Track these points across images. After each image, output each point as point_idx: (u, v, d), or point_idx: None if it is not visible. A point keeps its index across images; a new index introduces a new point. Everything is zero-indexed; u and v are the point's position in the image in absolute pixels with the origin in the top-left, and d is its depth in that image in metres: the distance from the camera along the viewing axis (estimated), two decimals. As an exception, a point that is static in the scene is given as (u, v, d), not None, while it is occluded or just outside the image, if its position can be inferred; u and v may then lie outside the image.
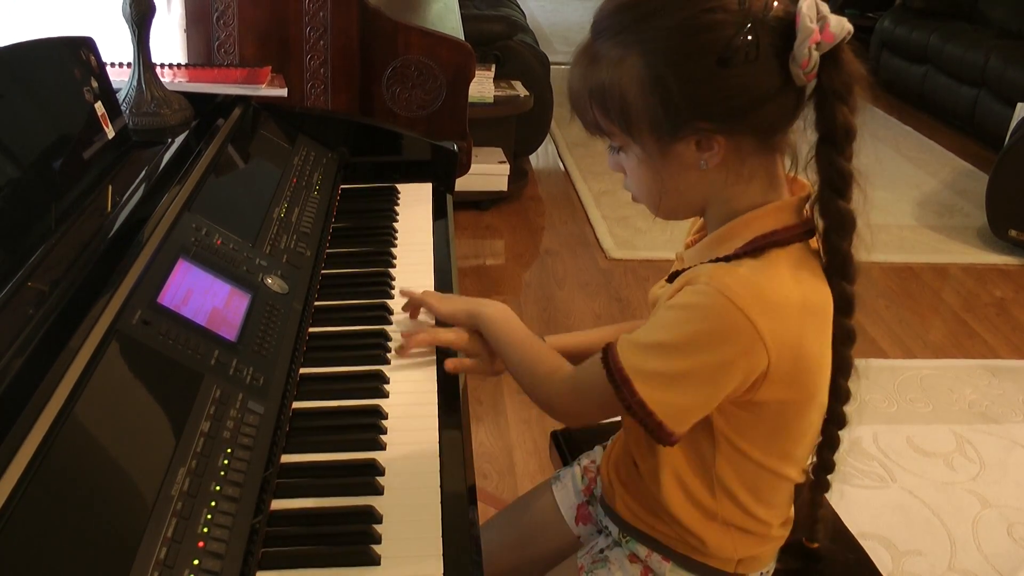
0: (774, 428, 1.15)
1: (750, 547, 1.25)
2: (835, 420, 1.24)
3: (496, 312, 1.36)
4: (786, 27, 1.02)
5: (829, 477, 1.31)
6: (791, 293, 1.07)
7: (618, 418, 1.37)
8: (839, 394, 1.21)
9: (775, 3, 1.03)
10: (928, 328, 3.57)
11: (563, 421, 1.35)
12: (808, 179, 1.14)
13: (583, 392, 1.20)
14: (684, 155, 1.08)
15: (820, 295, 1.12)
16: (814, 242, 1.14)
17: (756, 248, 1.09)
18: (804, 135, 1.11)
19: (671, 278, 1.19)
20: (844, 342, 1.17)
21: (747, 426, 1.14)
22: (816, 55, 1.02)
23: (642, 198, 1.18)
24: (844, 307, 1.15)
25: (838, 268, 1.12)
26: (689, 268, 1.15)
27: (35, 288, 1.09)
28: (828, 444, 1.26)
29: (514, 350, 1.32)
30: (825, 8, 1.03)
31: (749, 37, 1.00)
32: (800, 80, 1.04)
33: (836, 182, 1.09)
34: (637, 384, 1.08)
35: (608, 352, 1.13)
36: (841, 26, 1.02)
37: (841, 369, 1.19)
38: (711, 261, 1.12)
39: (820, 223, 1.12)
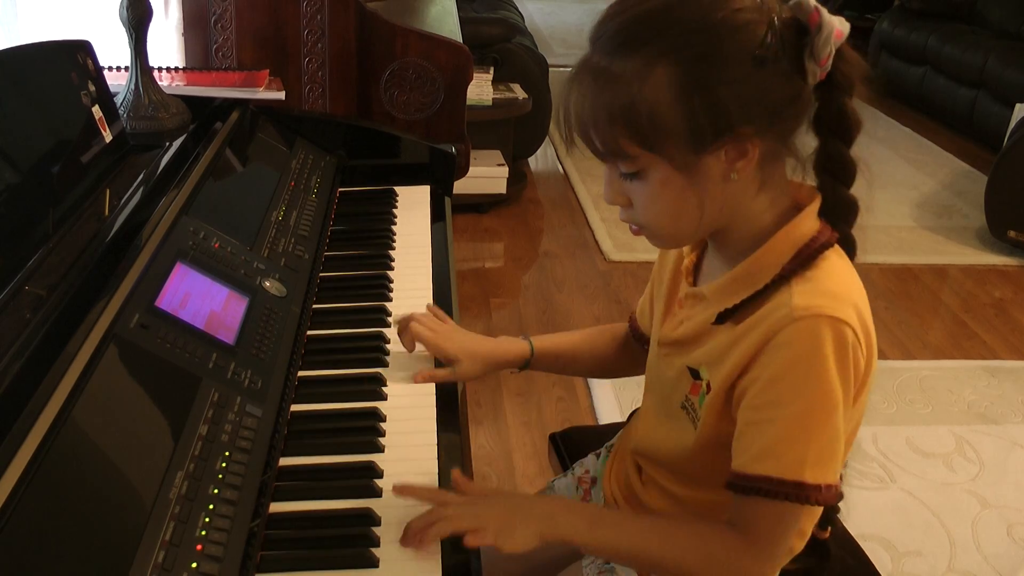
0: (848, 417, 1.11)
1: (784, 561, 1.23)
2: None
3: (570, 519, 1.14)
4: (798, 25, 1.01)
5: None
6: (855, 288, 1.07)
7: (612, 421, 1.36)
8: None
9: (782, 4, 1.03)
10: (927, 329, 3.57)
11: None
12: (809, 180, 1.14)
13: (766, 534, 1.09)
14: (713, 168, 1.03)
15: (861, 282, 1.11)
16: None
17: (807, 257, 1.06)
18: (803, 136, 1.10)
19: (720, 318, 1.11)
20: None
21: None
22: (834, 51, 1.02)
23: (657, 223, 1.10)
24: None
25: (846, 250, 1.12)
26: (739, 307, 1.09)
27: (33, 292, 1.09)
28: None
29: (620, 548, 1.15)
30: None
31: (778, 35, 0.99)
32: (814, 77, 1.03)
33: (844, 174, 1.09)
34: (810, 475, 1.02)
35: (748, 481, 1.05)
36: (843, 23, 1.02)
37: None
38: (765, 289, 1.07)
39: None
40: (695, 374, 1.15)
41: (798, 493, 1.02)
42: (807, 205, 1.11)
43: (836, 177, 1.09)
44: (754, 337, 1.05)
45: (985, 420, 2.97)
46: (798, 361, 1.01)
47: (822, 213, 1.11)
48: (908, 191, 5.00)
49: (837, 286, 1.05)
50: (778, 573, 1.25)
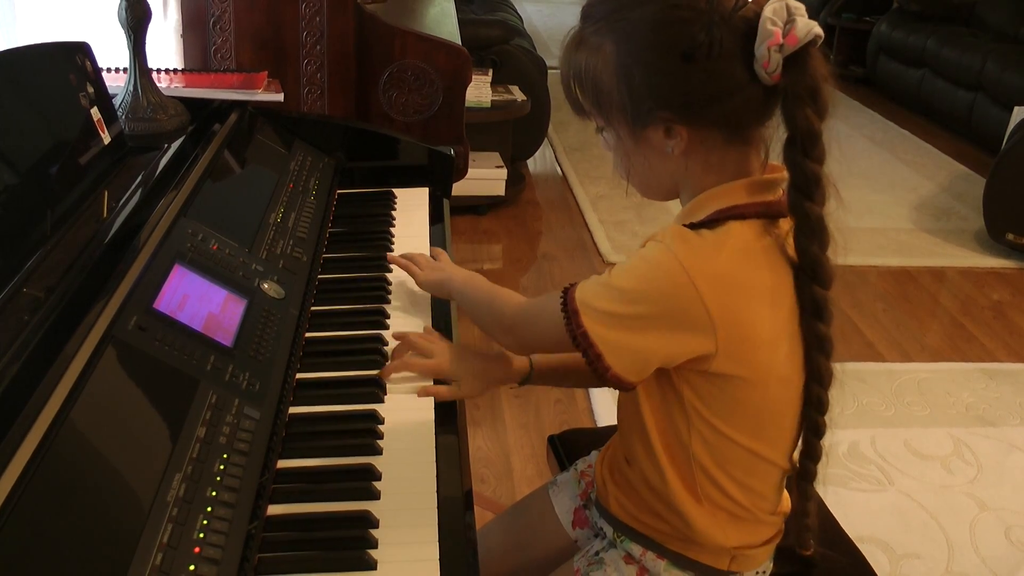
0: (739, 404, 1.16)
1: (740, 535, 1.25)
2: (813, 429, 1.22)
3: (464, 276, 1.46)
4: (752, 27, 1.04)
5: (813, 486, 1.29)
6: (740, 268, 1.10)
7: (610, 424, 1.38)
8: (815, 403, 1.19)
9: (747, 2, 1.06)
10: (925, 331, 3.58)
11: (513, 347, 1.38)
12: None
13: (536, 317, 1.27)
14: (653, 140, 1.13)
15: (771, 274, 1.13)
16: (785, 223, 1.14)
17: (715, 220, 1.12)
18: (777, 131, 1.14)
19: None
20: (817, 349, 1.15)
21: (713, 400, 1.16)
22: (778, 57, 1.04)
23: (624, 174, 1.23)
24: (815, 311, 1.13)
25: (808, 271, 1.12)
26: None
27: (31, 294, 1.09)
28: (808, 453, 1.24)
29: (478, 298, 1.40)
30: (799, 9, 1.04)
31: (712, 35, 1.04)
32: (765, 79, 1.06)
33: (801, 183, 1.10)
34: (584, 317, 1.14)
35: (569, 287, 1.18)
36: (808, 30, 1.03)
37: (815, 376, 1.17)
38: None
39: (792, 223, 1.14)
40: None
41: (572, 317, 1.15)
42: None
43: (796, 187, 1.10)
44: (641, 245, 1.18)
45: (983, 422, 2.97)
46: (643, 259, 1.14)
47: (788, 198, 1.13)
48: (906, 193, 5.00)
49: (715, 256, 1.10)
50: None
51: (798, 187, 1.10)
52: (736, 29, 1.05)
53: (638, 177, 1.21)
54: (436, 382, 1.35)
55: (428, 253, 1.68)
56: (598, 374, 1.14)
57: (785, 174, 1.12)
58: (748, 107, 1.09)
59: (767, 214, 1.14)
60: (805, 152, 1.08)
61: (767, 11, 1.03)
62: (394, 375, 1.35)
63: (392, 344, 1.41)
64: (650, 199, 1.25)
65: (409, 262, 1.54)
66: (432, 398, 1.31)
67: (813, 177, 1.09)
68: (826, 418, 1.21)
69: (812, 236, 1.10)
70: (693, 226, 1.13)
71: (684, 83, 1.07)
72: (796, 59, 1.04)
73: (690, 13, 1.05)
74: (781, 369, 1.16)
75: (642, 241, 1.22)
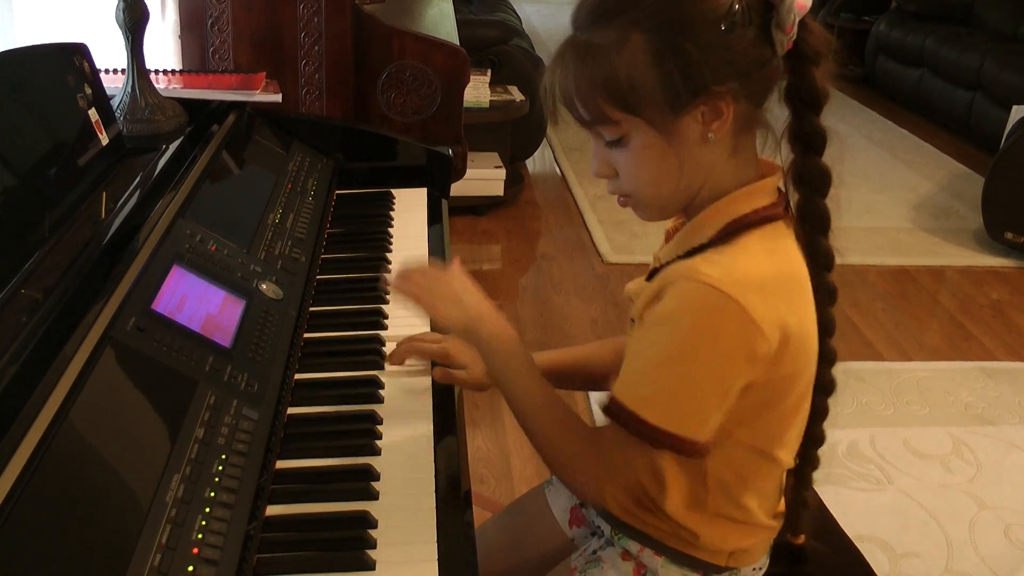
0: (763, 406, 1.14)
1: (741, 538, 1.25)
2: (819, 412, 1.23)
3: (495, 331, 1.25)
4: None
5: (814, 474, 1.30)
6: (768, 271, 1.09)
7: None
8: (825, 385, 1.21)
9: None
10: (924, 331, 3.58)
11: (604, 501, 1.26)
12: (780, 158, 1.17)
13: (608, 455, 1.16)
14: (691, 129, 1.08)
15: (797, 269, 1.13)
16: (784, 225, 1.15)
17: (728, 233, 1.11)
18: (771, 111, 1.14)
19: (650, 276, 1.20)
20: (825, 331, 1.17)
21: (742, 412, 1.13)
22: (798, 20, 1.05)
23: (641, 191, 1.15)
24: (830, 296, 1.16)
25: (818, 225, 1.14)
26: (666, 265, 1.16)
27: (29, 295, 1.09)
28: (813, 438, 1.25)
29: (517, 392, 1.24)
30: None
31: (744, 2, 1.04)
32: (782, 47, 1.06)
33: (814, 142, 1.12)
34: (648, 414, 1.07)
35: (610, 404, 1.11)
36: None
37: (826, 358, 1.19)
38: (685, 255, 1.13)
39: (795, 193, 1.15)
40: (632, 324, 1.20)
41: (638, 428, 1.08)
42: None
43: (809, 146, 1.13)
44: (657, 285, 1.11)
45: (982, 421, 2.97)
46: (672, 314, 1.07)
47: (795, 183, 1.15)
48: (905, 193, 5.00)
49: (745, 266, 1.07)
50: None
51: (811, 146, 1.12)
52: None
53: (660, 183, 1.13)
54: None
55: (427, 258, 1.68)
56: (693, 455, 1.10)
57: (781, 170, 1.14)
58: (771, 79, 1.10)
59: (774, 215, 1.13)
60: (817, 111, 1.11)
61: None
62: (396, 366, 1.36)
63: (391, 346, 1.41)
64: (655, 218, 1.20)
65: (412, 286, 1.31)
66: (428, 402, 1.30)
67: (824, 134, 1.12)
68: (830, 400, 1.23)
69: (824, 191, 1.13)
70: (703, 247, 1.11)
71: (732, 53, 1.05)
72: (802, 24, 1.07)
73: None
74: (812, 366, 1.16)
75: (653, 273, 1.18)
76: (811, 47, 1.08)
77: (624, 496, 1.21)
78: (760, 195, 1.13)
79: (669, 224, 1.29)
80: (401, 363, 1.38)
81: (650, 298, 1.12)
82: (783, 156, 1.16)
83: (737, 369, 1.07)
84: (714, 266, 1.06)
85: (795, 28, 1.05)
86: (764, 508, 1.25)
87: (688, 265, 1.09)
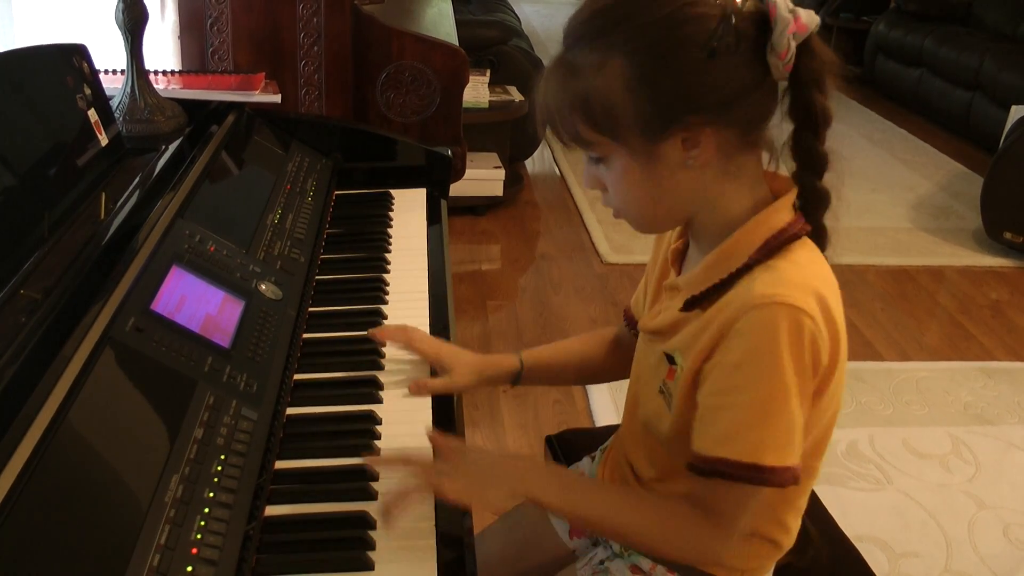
0: (819, 424, 1.14)
1: (766, 557, 1.25)
2: None
3: (537, 479, 1.17)
4: (761, 19, 1.03)
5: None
6: (821, 279, 1.08)
7: (608, 424, 1.37)
8: None
9: None
10: (924, 331, 3.58)
11: (724, 561, 1.21)
12: (787, 170, 1.15)
13: (726, 514, 1.11)
14: (671, 155, 1.06)
15: (834, 278, 1.12)
16: None
17: (774, 248, 1.08)
18: (777, 128, 1.12)
19: (687, 306, 1.15)
20: None
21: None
22: (794, 45, 1.03)
23: (627, 209, 1.15)
24: None
25: (817, 240, 1.13)
26: (710, 296, 1.12)
27: (28, 295, 1.09)
28: None
29: (594, 512, 1.17)
30: (790, 2, 1.04)
31: (732, 28, 1.01)
32: (778, 71, 1.04)
33: (816, 165, 1.11)
34: (768, 458, 1.04)
35: (708, 463, 1.07)
36: (810, 17, 1.03)
37: None
38: (727, 280, 1.10)
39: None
40: (671, 359, 1.17)
41: (755, 475, 1.05)
42: (784, 194, 1.13)
43: (806, 167, 1.11)
44: (718, 323, 1.07)
45: (981, 421, 2.97)
46: (756, 349, 1.04)
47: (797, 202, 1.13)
48: (904, 193, 5.00)
49: (798, 275, 1.06)
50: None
51: (812, 169, 1.11)
52: (747, 21, 1.03)
53: (649, 204, 1.12)
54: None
55: (425, 258, 1.68)
56: (796, 482, 1.07)
57: (792, 184, 1.13)
58: (763, 104, 1.07)
59: (804, 228, 1.11)
60: (817, 135, 1.09)
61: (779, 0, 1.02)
62: (387, 363, 1.36)
63: (390, 346, 1.41)
64: (648, 232, 1.20)
65: (443, 483, 1.12)
66: (427, 402, 1.30)
67: (825, 158, 1.10)
68: None
69: (823, 210, 1.12)
70: (749, 266, 1.08)
71: (710, 81, 1.02)
72: (805, 46, 1.04)
73: (707, 8, 1.01)
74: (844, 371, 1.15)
75: (692, 303, 1.14)
76: (812, 71, 1.06)
77: (732, 549, 1.15)
78: (787, 210, 1.11)
79: (671, 245, 1.26)
80: (384, 340, 1.37)
81: (702, 333, 1.09)
82: (787, 167, 1.14)
83: (811, 379, 1.06)
84: (781, 282, 1.04)
85: (791, 52, 1.03)
86: (796, 522, 1.25)
87: (751, 289, 1.05)
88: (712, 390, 1.08)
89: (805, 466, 1.14)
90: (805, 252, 1.10)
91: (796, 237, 1.09)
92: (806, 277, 1.06)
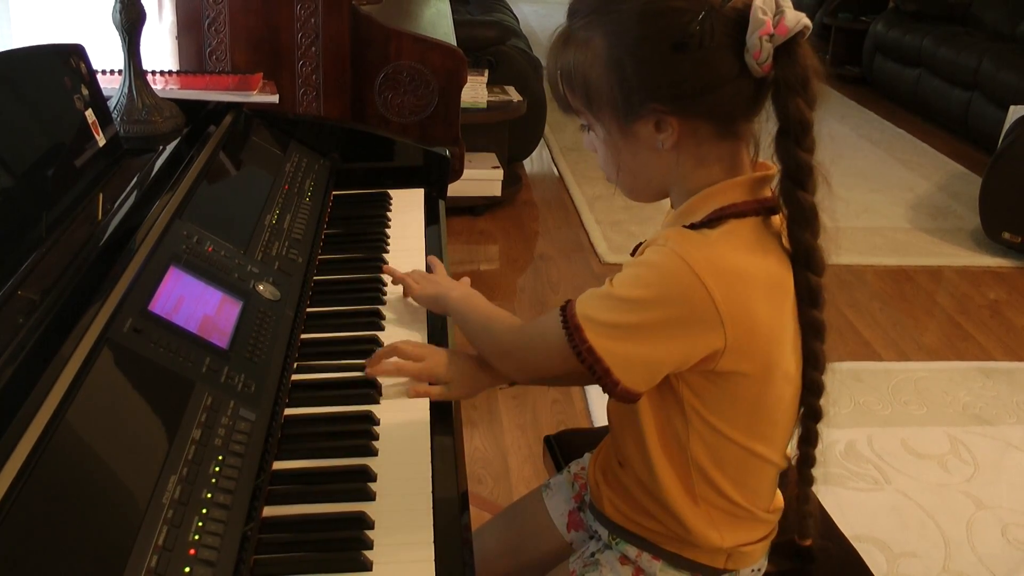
0: (739, 402, 1.16)
1: (736, 534, 1.25)
2: (810, 414, 1.23)
3: (460, 294, 1.44)
4: (743, 18, 1.05)
5: (813, 471, 1.30)
6: (745, 263, 1.10)
7: (605, 423, 1.38)
8: (811, 387, 1.21)
9: None
10: (922, 331, 3.58)
11: (516, 374, 1.34)
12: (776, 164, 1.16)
13: (535, 339, 1.24)
14: (642, 135, 1.12)
15: (774, 268, 1.14)
16: (777, 220, 1.16)
17: (714, 219, 1.12)
18: (766, 126, 1.14)
19: (634, 252, 1.24)
20: (812, 334, 1.17)
21: (713, 399, 1.16)
22: (768, 46, 1.04)
23: (608, 176, 1.22)
24: (810, 298, 1.15)
25: (802, 259, 1.14)
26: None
27: (26, 297, 1.09)
28: (806, 438, 1.26)
29: (474, 319, 1.38)
30: (786, 2, 1.05)
31: (704, 25, 1.04)
32: (756, 70, 1.06)
33: (795, 173, 1.11)
34: (588, 332, 1.12)
35: (567, 303, 1.17)
36: (797, 20, 1.04)
37: (811, 362, 1.19)
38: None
39: (784, 213, 1.14)
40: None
41: (574, 334, 1.13)
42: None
43: (786, 174, 1.12)
44: (641, 249, 1.19)
45: (980, 421, 2.98)
46: (637, 266, 1.13)
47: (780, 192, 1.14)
48: (903, 193, 5.01)
49: (721, 252, 1.09)
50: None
51: (791, 177, 1.11)
52: (727, 19, 1.05)
53: (626, 176, 1.20)
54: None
55: (424, 258, 1.69)
56: (607, 389, 1.13)
57: (775, 171, 1.14)
58: (738, 99, 1.10)
59: (763, 210, 1.14)
60: (797, 142, 1.09)
61: (758, 1, 1.04)
62: (384, 377, 1.35)
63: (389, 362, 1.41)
64: (636, 200, 1.25)
65: (405, 275, 1.53)
66: (425, 402, 1.30)
67: (805, 166, 1.10)
68: (822, 403, 1.22)
69: (805, 225, 1.12)
70: (693, 227, 1.13)
71: (675, 73, 1.07)
72: (786, 50, 1.05)
73: (682, 3, 1.05)
74: (785, 363, 1.17)
75: (637, 248, 1.22)
76: (792, 75, 1.06)
77: (525, 372, 1.33)
78: (744, 189, 1.14)
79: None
80: (375, 374, 1.36)
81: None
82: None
83: (684, 340, 1.10)
84: (694, 245, 1.09)
85: (765, 53, 1.05)
86: (753, 502, 1.25)
87: (673, 232, 1.12)
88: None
89: (747, 448, 1.20)
90: (745, 232, 1.12)
91: (744, 214, 1.12)
92: (729, 255, 1.10)
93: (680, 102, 1.09)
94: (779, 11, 1.04)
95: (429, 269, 1.60)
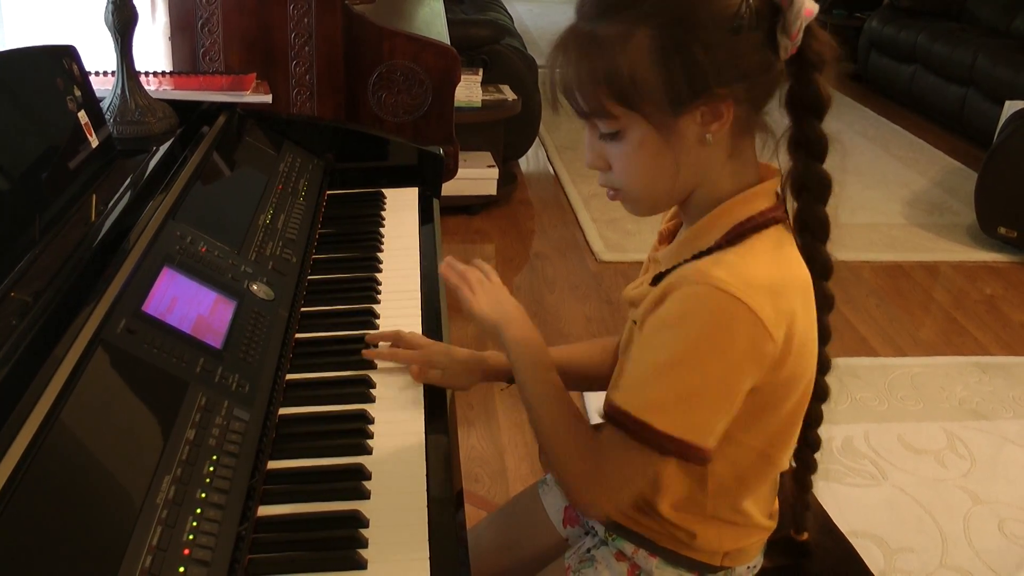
0: (765, 409, 1.14)
1: (736, 539, 1.26)
2: (816, 418, 1.24)
3: (518, 336, 1.27)
4: (772, 2, 1.04)
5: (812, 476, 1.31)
6: (776, 273, 1.08)
7: (600, 421, 1.38)
8: (819, 392, 1.21)
9: None
10: (919, 326, 3.58)
11: (599, 507, 1.21)
12: (778, 163, 1.16)
13: (608, 465, 1.13)
14: (689, 129, 1.07)
15: (802, 275, 1.13)
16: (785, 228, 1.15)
17: (735, 236, 1.10)
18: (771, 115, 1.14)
19: (655, 280, 1.17)
20: (823, 339, 1.17)
21: (747, 415, 1.12)
22: (804, 26, 1.05)
23: (635, 184, 1.14)
24: (827, 304, 1.16)
25: (819, 269, 1.14)
26: (671, 270, 1.14)
27: (19, 298, 1.09)
28: (808, 443, 1.26)
29: (531, 387, 1.23)
30: None
31: (752, 5, 1.02)
32: (786, 52, 1.06)
33: (815, 149, 1.12)
34: (655, 420, 1.05)
35: (611, 410, 1.09)
36: (813, 2, 1.05)
37: (820, 367, 1.19)
38: (692, 258, 1.12)
39: (794, 199, 1.15)
40: (633, 326, 1.20)
41: (643, 434, 1.06)
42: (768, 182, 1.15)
43: (810, 153, 1.12)
44: (661, 290, 1.10)
45: (976, 416, 2.98)
46: (678, 319, 1.06)
47: (795, 190, 1.14)
48: (899, 189, 5.01)
49: (752, 269, 1.06)
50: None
51: (813, 153, 1.12)
52: (766, 2, 1.04)
53: (654, 179, 1.12)
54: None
55: (419, 258, 1.68)
56: (700, 462, 1.08)
57: (780, 174, 1.14)
58: (773, 83, 1.09)
59: (777, 218, 1.13)
60: (819, 117, 1.11)
61: None
62: (380, 363, 1.36)
63: (383, 346, 1.41)
64: (649, 213, 1.20)
65: (462, 281, 1.35)
66: (419, 401, 1.30)
67: (825, 140, 1.11)
68: (823, 407, 1.23)
69: (824, 198, 1.13)
70: (711, 250, 1.10)
71: (736, 55, 1.03)
72: (808, 30, 1.06)
73: None
74: (812, 369, 1.16)
75: (657, 278, 1.16)
76: (816, 53, 1.07)
77: (613, 502, 1.19)
78: (762, 198, 1.12)
79: (662, 225, 1.29)
80: (371, 356, 1.37)
81: (654, 302, 1.10)
82: (780, 161, 1.15)
83: (745, 373, 1.06)
84: (723, 268, 1.05)
85: (800, 34, 1.04)
86: (760, 510, 1.26)
87: (695, 268, 1.08)
88: (636, 345, 1.12)
89: (765, 455, 1.18)
90: (769, 245, 1.10)
91: (763, 226, 1.10)
92: (759, 272, 1.06)
93: (740, 84, 1.05)
94: None
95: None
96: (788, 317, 1.07)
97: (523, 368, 1.24)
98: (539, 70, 4.67)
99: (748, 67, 1.05)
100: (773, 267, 1.09)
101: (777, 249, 1.11)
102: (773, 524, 1.30)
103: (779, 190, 1.16)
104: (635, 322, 1.18)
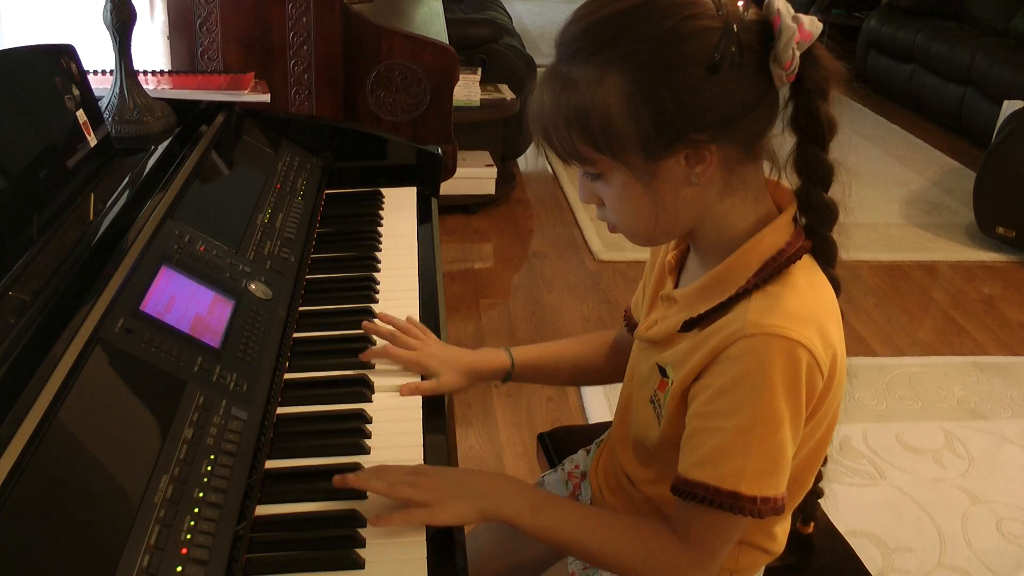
0: (806, 438, 1.12)
1: (754, 559, 1.26)
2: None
3: (513, 501, 1.14)
4: (763, 29, 1.00)
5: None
6: (817, 305, 1.07)
7: (602, 420, 1.37)
8: None
9: (749, 6, 1.02)
10: (917, 326, 3.58)
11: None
12: (788, 181, 1.13)
13: (703, 540, 1.09)
14: (674, 172, 1.03)
15: (832, 295, 1.12)
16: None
17: (772, 272, 1.06)
18: (780, 137, 1.10)
19: (686, 327, 1.13)
20: None
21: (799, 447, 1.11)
22: (798, 54, 1.00)
23: (627, 225, 1.11)
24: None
25: (823, 258, 1.13)
26: (708, 317, 1.10)
27: (17, 297, 1.09)
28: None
29: (567, 535, 1.14)
30: (791, 8, 1.03)
31: (734, 41, 0.98)
32: (781, 81, 1.02)
33: (821, 177, 1.09)
34: (744, 487, 1.03)
35: (688, 486, 1.06)
36: (814, 24, 1.01)
37: None
38: (727, 303, 1.08)
39: (801, 216, 1.12)
40: (663, 372, 1.16)
41: (733, 503, 1.03)
42: (786, 207, 1.11)
43: (812, 181, 1.09)
44: (710, 346, 1.06)
45: (974, 416, 2.98)
46: (745, 376, 1.02)
47: (801, 211, 1.12)
48: (897, 188, 5.01)
49: (797, 304, 1.04)
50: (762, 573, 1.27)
51: (818, 181, 1.09)
52: (750, 32, 1.00)
53: (644, 221, 1.08)
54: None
55: (416, 257, 1.68)
56: (776, 513, 1.06)
57: (793, 195, 1.12)
58: (767, 115, 1.04)
59: (804, 246, 1.10)
60: (822, 146, 1.08)
61: (778, 6, 0.99)
62: (377, 362, 1.36)
63: (381, 343, 1.41)
64: (648, 246, 1.18)
65: (412, 491, 1.09)
66: (417, 401, 1.30)
67: (831, 168, 1.09)
68: None
69: (829, 224, 1.12)
70: (748, 291, 1.06)
71: (713, 97, 0.99)
72: (809, 55, 1.02)
73: (708, 21, 0.98)
74: (843, 388, 1.14)
75: (689, 324, 1.12)
76: (815, 81, 1.04)
77: (707, 574, 1.13)
78: (785, 229, 1.10)
79: (667, 255, 1.25)
80: (368, 359, 1.37)
81: (703, 361, 1.07)
82: (790, 180, 1.12)
83: (805, 411, 1.05)
84: (773, 314, 1.02)
85: (795, 62, 1.00)
86: (785, 531, 1.25)
87: (744, 320, 1.03)
88: (699, 412, 1.07)
89: (796, 479, 1.15)
90: (804, 275, 1.08)
91: (795, 258, 1.08)
92: (804, 306, 1.04)
93: (721, 127, 1.01)
94: (796, 17, 1.00)
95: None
96: (832, 349, 1.06)
97: (545, 518, 1.14)
98: (538, 69, 4.67)
99: (730, 108, 1.00)
100: (814, 300, 1.07)
101: (811, 278, 1.09)
102: (780, 549, 1.29)
103: (796, 216, 1.12)
104: (662, 368, 1.16)
